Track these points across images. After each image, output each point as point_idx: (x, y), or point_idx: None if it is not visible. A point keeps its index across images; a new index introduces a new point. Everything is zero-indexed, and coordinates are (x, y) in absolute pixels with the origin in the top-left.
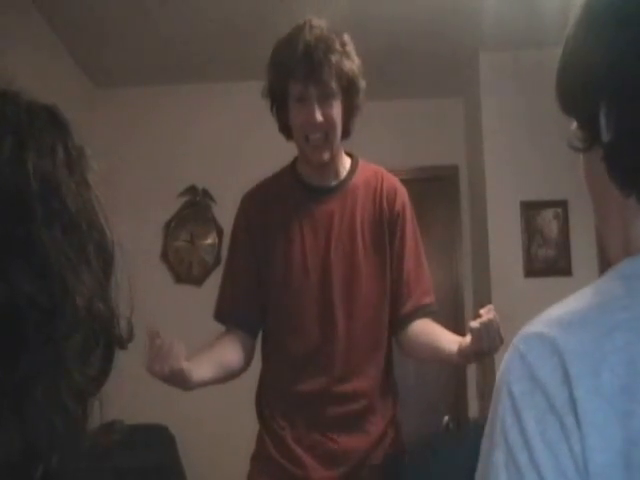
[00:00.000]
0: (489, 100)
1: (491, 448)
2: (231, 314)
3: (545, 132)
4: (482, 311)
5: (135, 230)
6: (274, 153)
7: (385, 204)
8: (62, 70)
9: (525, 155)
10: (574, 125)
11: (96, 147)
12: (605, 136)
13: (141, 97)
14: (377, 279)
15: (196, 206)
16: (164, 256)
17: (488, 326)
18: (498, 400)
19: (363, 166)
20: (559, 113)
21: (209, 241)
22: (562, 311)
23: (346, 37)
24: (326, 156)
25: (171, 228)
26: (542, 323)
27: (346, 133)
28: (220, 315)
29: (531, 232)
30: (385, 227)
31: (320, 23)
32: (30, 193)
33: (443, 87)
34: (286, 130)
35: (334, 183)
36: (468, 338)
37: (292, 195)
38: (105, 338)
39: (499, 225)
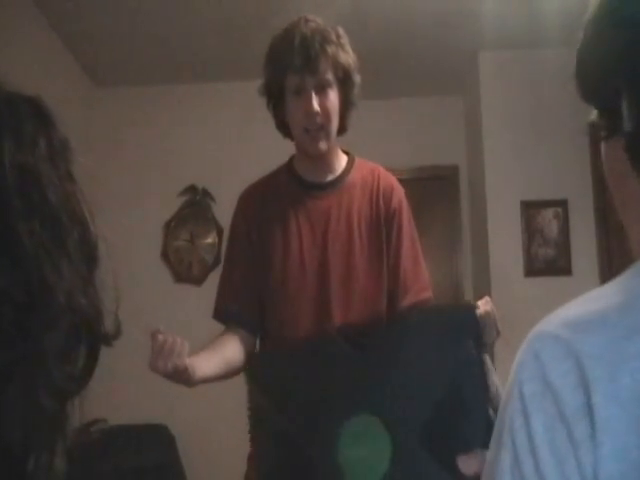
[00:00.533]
0: (489, 100)
1: (499, 448)
2: (231, 313)
3: (545, 132)
4: (480, 303)
5: (135, 230)
6: (274, 153)
7: (382, 202)
8: (62, 69)
9: (525, 155)
10: (594, 113)
11: (96, 146)
12: (627, 126)
13: (141, 96)
14: (374, 276)
15: (196, 206)
16: (164, 255)
17: (485, 318)
18: (509, 398)
19: (360, 163)
20: (559, 113)
21: (209, 240)
22: (581, 311)
23: (341, 30)
24: (323, 146)
25: (171, 227)
26: (559, 323)
27: (342, 128)
28: (220, 314)
29: (531, 232)
30: (382, 225)
31: (315, 18)
32: (6, 186)
33: (443, 86)
34: (283, 127)
35: (330, 179)
36: None
37: (289, 191)
38: (88, 335)
39: (499, 225)
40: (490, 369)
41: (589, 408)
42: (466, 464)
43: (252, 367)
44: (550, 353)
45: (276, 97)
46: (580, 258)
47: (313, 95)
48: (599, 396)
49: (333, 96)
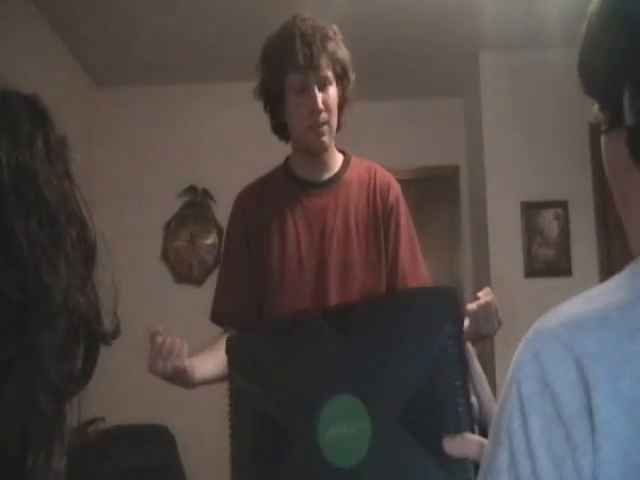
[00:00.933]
0: (489, 100)
1: (497, 446)
2: (229, 316)
3: (545, 133)
4: (480, 293)
5: (135, 230)
6: (274, 153)
7: (379, 199)
8: (63, 69)
9: (525, 155)
10: (596, 106)
11: (96, 146)
12: (628, 119)
13: (142, 97)
14: (373, 273)
15: (196, 206)
16: (164, 256)
17: (486, 308)
18: (507, 396)
19: (356, 162)
20: (559, 114)
21: (209, 241)
22: (581, 309)
23: (335, 27)
24: (327, 141)
25: (171, 228)
26: (558, 321)
27: (338, 125)
28: (217, 316)
29: (531, 232)
30: (380, 222)
31: (310, 15)
32: (3, 184)
33: (443, 87)
34: (280, 129)
35: (327, 177)
36: (466, 321)
37: (285, 190)
38: (87, 334)
39: (499, 225)
40: (472, 354)
41: (589, 409)
42: (452, 446)
43: (231, 347)
44: (549, 352)
45: (275, 97)
46: (580, 259)
47: (317, 93)
48: (600, 397)
49: (333, 92)
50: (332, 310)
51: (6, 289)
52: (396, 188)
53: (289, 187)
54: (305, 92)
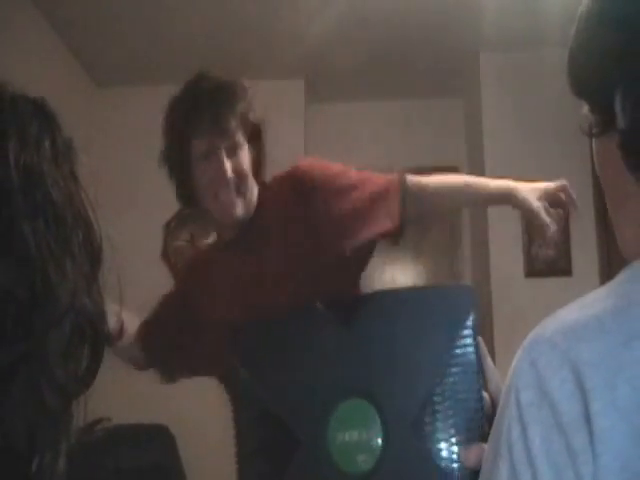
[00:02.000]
0: (489, 100)
1: (496, 457)
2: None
3: (545, 133)
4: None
5: (135, 230)
6: None
7: (295, 196)
8: (62, 69)
9: (525, 156)
10: (585, 109)
11: (96, 146)
12: (621, 122)
13: (142, 96)
14: (313, 280)
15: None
16: (164, 256)
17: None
18: (505, 404)
19: (272, 184)
20: (559, 114)
21: (209, 241)
22: (577, 316)
23: (245, 82)
24: (239, 210)
25: (171, 228)
26: (555, 329)
27: (258, 184)
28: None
29: (531, 232)
30: (312, 224)
31: (215, 72)
32: (11, 185)
33: (443, 87)
34: (184, 197)
35: (245, 228)
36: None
37: (217, 257)
38: (91, 335)
39: (499, 225)
40: (485, 353)
41: (587, 418)
42: (468, 456)
43: (234, 342)
44: (546, 361)
45: (179, 164)
46: (580, 259)
47: (225, 159)
48: (598, 405)
49: (244, 156)
50: (339, 304)
51: (13, 288)
52: (304, 171)
53: (221, 257)
54: (211, 157)
